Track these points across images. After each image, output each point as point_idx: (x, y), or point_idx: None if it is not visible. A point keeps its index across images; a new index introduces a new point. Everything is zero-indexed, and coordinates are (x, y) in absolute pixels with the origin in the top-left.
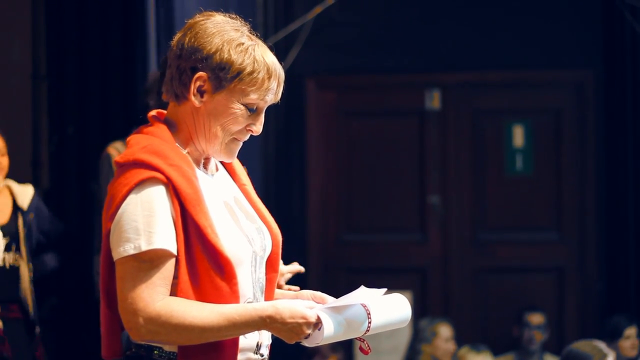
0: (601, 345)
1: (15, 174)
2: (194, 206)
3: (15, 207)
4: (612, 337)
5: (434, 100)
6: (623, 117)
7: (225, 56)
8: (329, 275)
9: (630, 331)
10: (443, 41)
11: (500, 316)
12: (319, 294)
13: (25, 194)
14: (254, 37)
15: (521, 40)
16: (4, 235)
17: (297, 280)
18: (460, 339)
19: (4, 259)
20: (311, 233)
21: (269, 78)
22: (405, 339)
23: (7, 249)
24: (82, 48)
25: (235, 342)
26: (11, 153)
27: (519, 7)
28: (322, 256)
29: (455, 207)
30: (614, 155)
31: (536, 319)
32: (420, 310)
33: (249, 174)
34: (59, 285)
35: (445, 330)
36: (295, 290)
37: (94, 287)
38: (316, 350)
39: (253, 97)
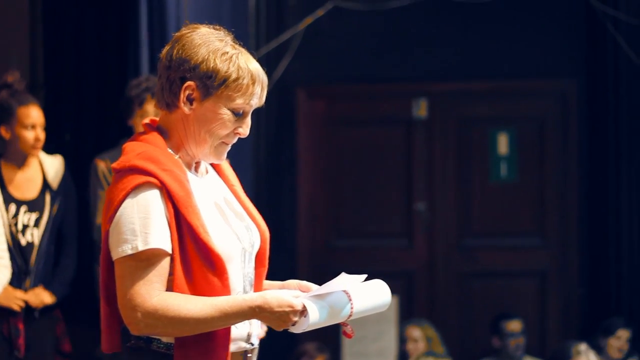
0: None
1: None
2: (186, 207)
3: (45, 184)
4: (605, 333)
5: (420, 109)
6: (605, 125)
7: (212, 65)
8: (317, 279)
9: (622, 333)
10: (430, 51)
11: (484, 320)
12: (304, 282)
13: (56, 171)
14: (237, 46)
15: (506, 50)
16: (32, 210)
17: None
18: (446, 342)
19: (32, 234)
20: (301, 238)
21: (253, 83)
22: (391, 342)
23: (36, 224)
24: (79, 57)
25: (227, 332)
26: None
27: (504, 18)
28: (311, 261)
29: (441, 214)
30: (596, 163)
31: (514, 326)
32: (406, 314)
33: (240, 180)
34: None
35: (414, 333)
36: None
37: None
38: (303, 351)
39: (239, 102)
